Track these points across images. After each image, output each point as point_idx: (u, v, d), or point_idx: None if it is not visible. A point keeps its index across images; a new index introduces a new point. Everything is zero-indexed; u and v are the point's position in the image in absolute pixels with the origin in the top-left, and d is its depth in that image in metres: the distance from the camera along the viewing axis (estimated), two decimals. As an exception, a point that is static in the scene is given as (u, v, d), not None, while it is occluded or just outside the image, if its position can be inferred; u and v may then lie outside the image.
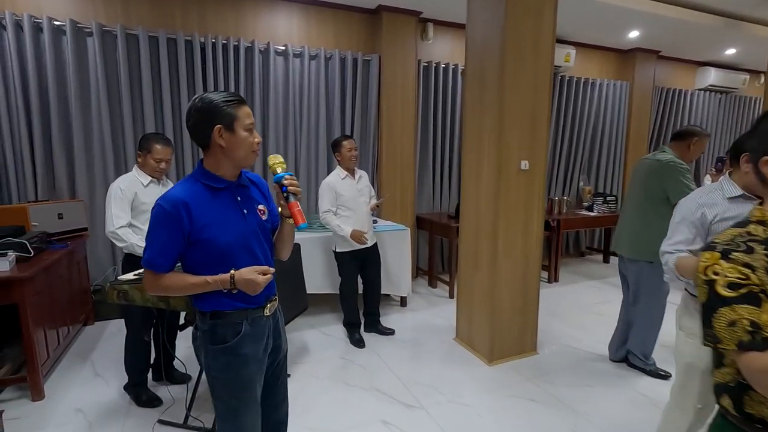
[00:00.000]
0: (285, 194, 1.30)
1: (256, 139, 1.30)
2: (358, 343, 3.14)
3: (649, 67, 5.80)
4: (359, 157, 3.65)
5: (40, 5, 3.25)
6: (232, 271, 1.25)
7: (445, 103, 4.72)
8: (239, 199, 1.33)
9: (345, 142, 3.07)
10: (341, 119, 4.27)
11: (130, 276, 1.92)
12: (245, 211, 1.33)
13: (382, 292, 3.48)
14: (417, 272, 4.77)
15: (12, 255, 2.41)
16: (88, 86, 3.41)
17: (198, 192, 1.26)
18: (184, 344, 2.87)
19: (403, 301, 3.98)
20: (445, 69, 4.65)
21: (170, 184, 2.54)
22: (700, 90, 6.34)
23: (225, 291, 1.26)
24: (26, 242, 2.53)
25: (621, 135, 5.85)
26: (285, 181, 1.30)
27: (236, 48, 3.76)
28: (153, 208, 1.23)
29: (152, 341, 2.44)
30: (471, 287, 3.01)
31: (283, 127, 4.06)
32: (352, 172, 3.16)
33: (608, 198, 5.16)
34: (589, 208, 5.16)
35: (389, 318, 3.66)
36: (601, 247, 5.96)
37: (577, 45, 5.29)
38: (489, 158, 2.75)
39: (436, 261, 4.71)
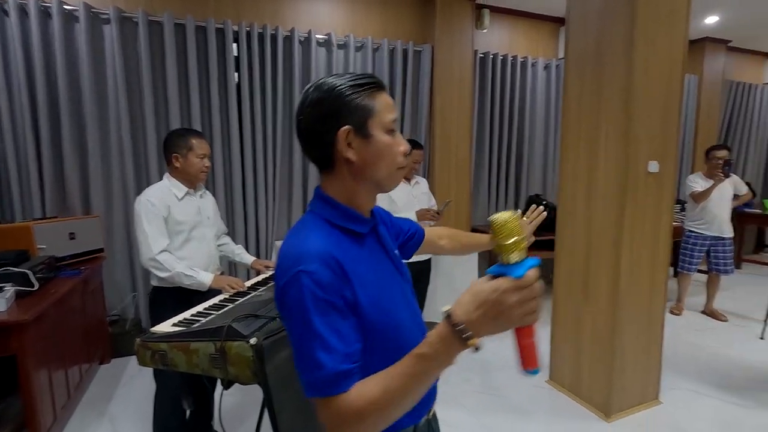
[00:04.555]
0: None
1: (402, 147, 0.75)
2: None
3: (719, 59, 5.20)
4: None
5: (49, -14, 2.76)
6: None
7: (503, 98, 4.15)
8: (385, 245, 0.82)
9: None
10: (390, 118, 3.72)
11: (167, 328, 1.36)
12: (396, 263, 0.84)
13: (429, 320, 3.07)
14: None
15: (11, 290, 1.87)
16: (105, 82, 2.90)
17: (341, 243, 0.72)
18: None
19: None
20: (503, 60, 4.10)
21: (209, 196, 2.01)
22: (771, 84, 5.73)
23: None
24: (29, 272, 2.00)
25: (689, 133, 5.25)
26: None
27: (273, 37, 3.24)
28: (290, 279, 0.66)
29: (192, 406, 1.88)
30: (577, 321, 2.41)
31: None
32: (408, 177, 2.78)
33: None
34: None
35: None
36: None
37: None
38: (608, 159, 2.17)
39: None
